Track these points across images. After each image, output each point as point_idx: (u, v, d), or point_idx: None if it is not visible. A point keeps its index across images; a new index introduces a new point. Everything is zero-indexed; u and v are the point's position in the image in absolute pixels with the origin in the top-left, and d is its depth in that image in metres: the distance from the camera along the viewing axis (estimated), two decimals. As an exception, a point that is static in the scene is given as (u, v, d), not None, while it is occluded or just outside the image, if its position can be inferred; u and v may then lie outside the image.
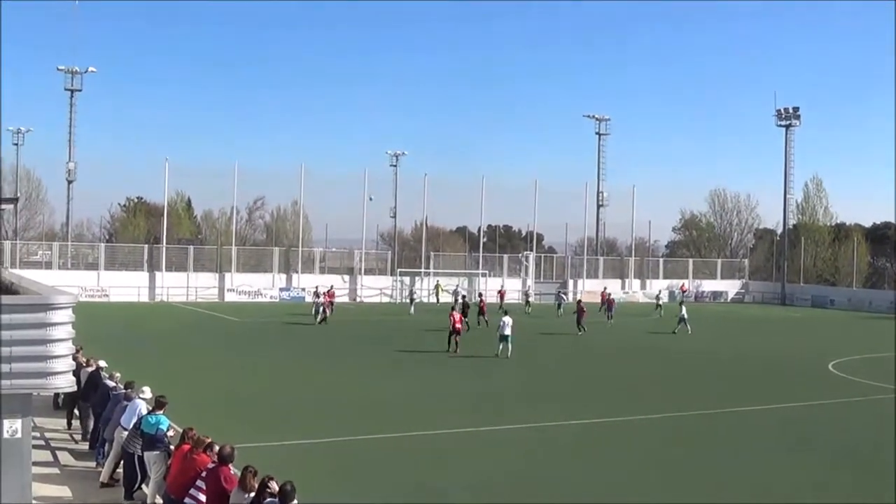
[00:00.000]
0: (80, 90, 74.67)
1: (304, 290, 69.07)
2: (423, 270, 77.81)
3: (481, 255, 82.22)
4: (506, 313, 39.58)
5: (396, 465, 19.31)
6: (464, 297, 56.89)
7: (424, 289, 73.51)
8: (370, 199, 77.16)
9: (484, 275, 78.90)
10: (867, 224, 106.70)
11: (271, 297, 69.73)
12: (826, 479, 19.31)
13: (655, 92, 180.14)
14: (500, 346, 37.42)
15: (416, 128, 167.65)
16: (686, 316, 51.27)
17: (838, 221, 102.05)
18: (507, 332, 37.53)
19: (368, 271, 77.86)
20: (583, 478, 18.80)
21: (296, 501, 10.88)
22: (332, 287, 58.67)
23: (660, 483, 18.52)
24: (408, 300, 64.77)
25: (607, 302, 58.60)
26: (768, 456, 20.82)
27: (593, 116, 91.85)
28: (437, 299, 68.03)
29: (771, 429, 24.44)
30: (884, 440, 23.14)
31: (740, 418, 25.86)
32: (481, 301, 53.62)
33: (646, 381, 33.15)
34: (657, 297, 69.51)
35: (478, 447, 21.29)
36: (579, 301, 53.80)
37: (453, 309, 40.95)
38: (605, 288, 71.53)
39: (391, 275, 77.42)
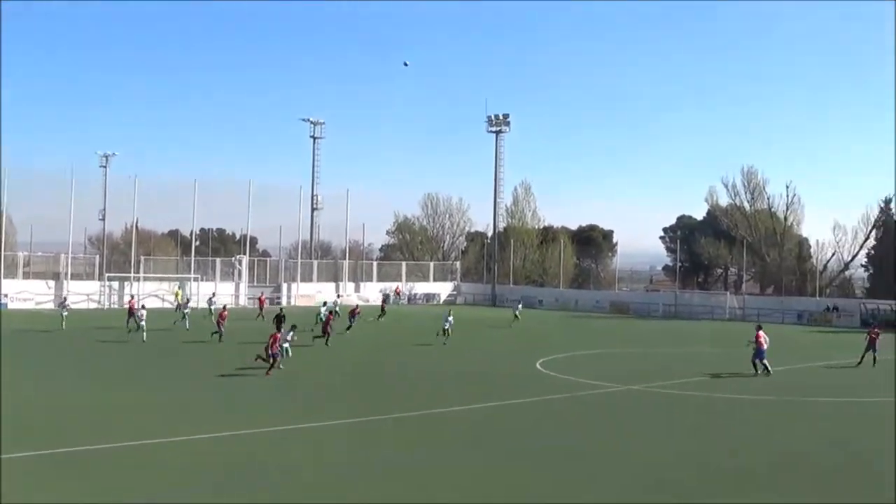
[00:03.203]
0: None
1: (6, 296, 66.61)
2: (132, 275, 75.36)
3: (193, 258, 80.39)
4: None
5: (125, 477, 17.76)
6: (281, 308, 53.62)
7: (138, 294, 69.77)
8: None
9: (196, 279, 77.11)
10: (573, 227, 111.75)
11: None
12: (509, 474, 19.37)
13: (370, 96, 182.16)
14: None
15: (127, 128, 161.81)
16: (450, 325, 48.67)
17: (546, 224, 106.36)
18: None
19: (75, 276, 75.23)
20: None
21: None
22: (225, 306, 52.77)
23: (343, 483, 17.94)
24: (183, 310, 56.68)
25: (351, 312, 53.24)
26: (455, 455, 20.87)
27: (308, 120, 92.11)
28: (178, 305, 64.62)
29: (469, 428, 24.52)
30: (587, 432, 23.80)
31: (439, 420, 25.84)
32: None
33: (343, 386, 32.78)
34: (515, 308, 67.98)
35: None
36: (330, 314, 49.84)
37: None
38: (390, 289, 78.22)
39: (99, 280, 75.10)
